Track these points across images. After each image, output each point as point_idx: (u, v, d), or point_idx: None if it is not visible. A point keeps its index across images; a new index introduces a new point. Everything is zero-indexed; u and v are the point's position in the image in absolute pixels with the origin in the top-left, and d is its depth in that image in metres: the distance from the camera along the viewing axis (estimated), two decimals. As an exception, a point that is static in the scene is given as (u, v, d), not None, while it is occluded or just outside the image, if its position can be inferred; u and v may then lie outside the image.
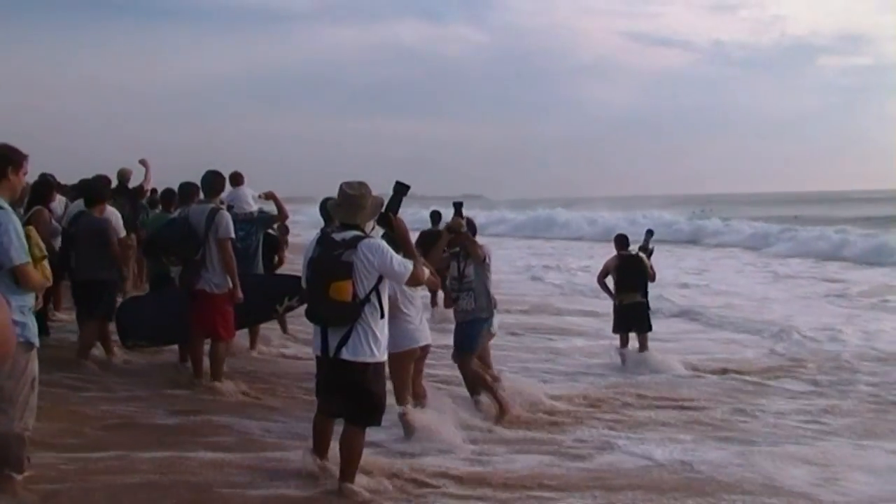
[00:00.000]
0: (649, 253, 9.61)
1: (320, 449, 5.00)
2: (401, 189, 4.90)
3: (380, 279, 4.57)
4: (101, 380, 7.38)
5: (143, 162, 11.60)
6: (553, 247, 31.76)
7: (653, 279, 9.55)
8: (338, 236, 4.61)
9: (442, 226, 7.82)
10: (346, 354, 4.53)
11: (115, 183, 10.65)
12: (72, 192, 10.39)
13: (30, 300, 4.46)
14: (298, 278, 8.30)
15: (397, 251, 4.75)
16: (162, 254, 7.48)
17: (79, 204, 8.34)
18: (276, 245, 9.14)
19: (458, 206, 6.74)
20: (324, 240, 4.69)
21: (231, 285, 7.09)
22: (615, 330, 9.61)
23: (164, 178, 11.50)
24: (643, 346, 9.46)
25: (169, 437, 5.88)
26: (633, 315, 9.42)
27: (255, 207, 9.62)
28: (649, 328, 9.53)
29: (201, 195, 7.61)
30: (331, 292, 4.47)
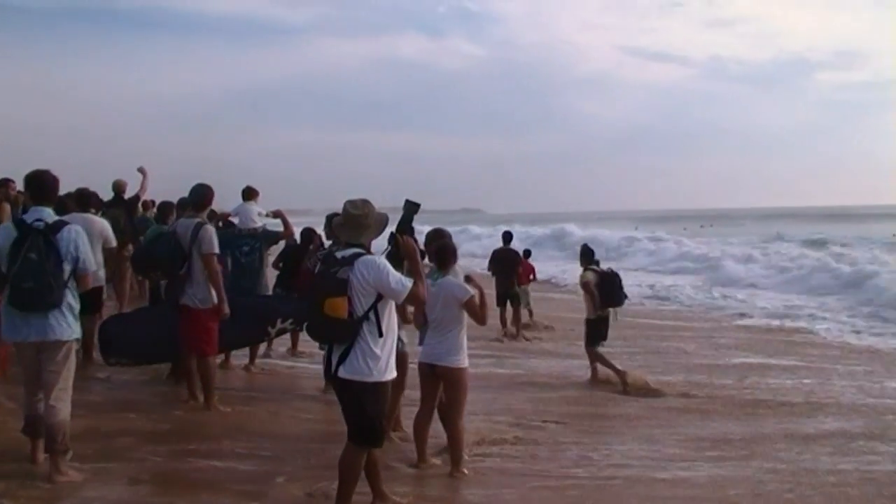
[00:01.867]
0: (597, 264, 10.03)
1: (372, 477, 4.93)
2: (411, 207, 4.99)
3: (379, 297, 4.52)
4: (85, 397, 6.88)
5: (140, 170, 11.56)
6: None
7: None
8: (339, 254, 4.62)
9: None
10: (343, 373, 4.51)
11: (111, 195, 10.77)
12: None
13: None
14: (293, 301, 8.49)
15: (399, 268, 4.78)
16: (148, 268, 7.57)
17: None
18: (300, 258, 8.88)
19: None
20: (327, 257, 4.75)
21: (216, 300, 6.97)
22: (596, 343, 9.69)
23: (160, 189, 11.59)
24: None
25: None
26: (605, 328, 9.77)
27: (259, 223, 9.58)
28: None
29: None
30: (325, 308, 4.46)
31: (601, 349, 9.60)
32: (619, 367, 9.40)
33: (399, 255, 4.94)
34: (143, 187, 11.52)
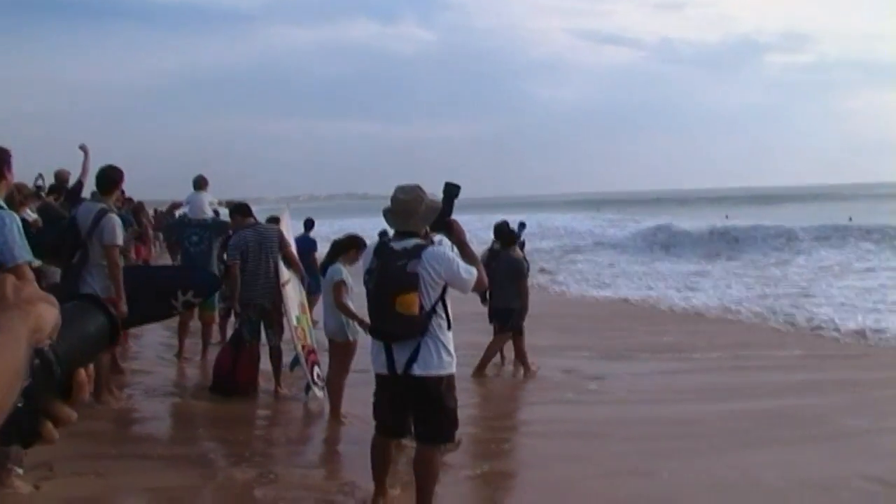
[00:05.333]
0: (521, 245, 9.77)
1: (381, 473, 4.78)
2: (451, 190, 4.65)
3: (444, 288, 4.33)
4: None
5: (82, 147, 10.96)
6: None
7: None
8: (398, 245, 4.37)
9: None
10: (417, 370, 4.30)
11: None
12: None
13: None
14: (190, 270, 8.30)
15: None
16: (41, 256, 6.69)
17: None
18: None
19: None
20: (382, 250, 4.43)
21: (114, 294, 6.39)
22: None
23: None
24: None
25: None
26: None
27: (210, 214, 9.42)
28: None
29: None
30: (397, 306, 4.24)
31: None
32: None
33: (451, 241, 4.67)
34: (84, 169, 11.07)
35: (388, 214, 4.54)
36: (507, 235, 9.08)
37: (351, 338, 6.62)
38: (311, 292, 8.88)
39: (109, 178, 6.69)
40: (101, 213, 6.40)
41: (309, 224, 13.09)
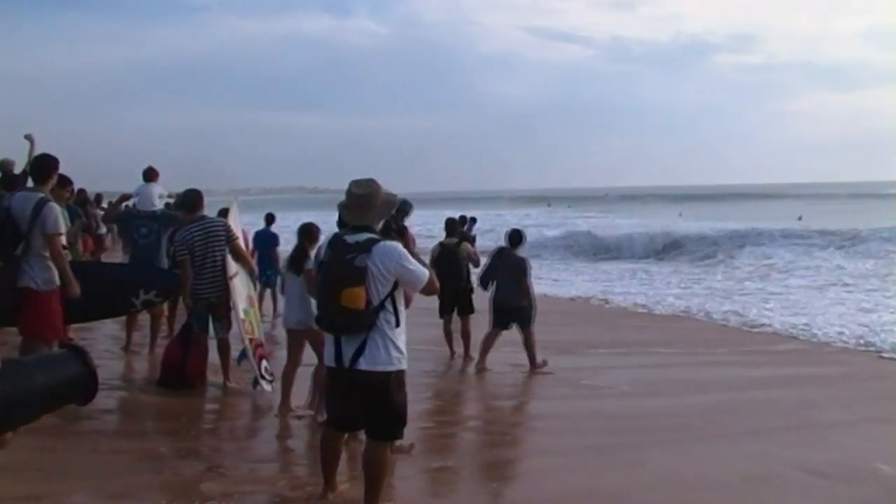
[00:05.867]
0: (472, 239, 10.07)
1: (330, 469, 4.75)
2: (406, 207, 4.49)
3: (395, 285, 4.29)
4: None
5: (28, 137, 10.69)
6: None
7: (476, 265, 10.06)
8: (350, 239, 4.32)
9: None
10: (363, 364, 4.27)
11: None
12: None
13: None
14: (157, 270, 8.20)
15: None
16: None
17: None
18: None
19: None
20: (335, 242, 4.39)
21: (58, 282, 6.30)
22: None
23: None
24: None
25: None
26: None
27: (159, 206, 9.24)
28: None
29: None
30: (342, 299, 4.20)
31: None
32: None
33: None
34: (30, 159, 10.82)
35: (343, 209, 4.51)
36: (515, 238, 9.60)
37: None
38: (271, 286, 8.86)
39: (45, 166, 6.52)
40: (42, 203, 6.23)
41: (270, 218, 13.17)
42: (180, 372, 7.39)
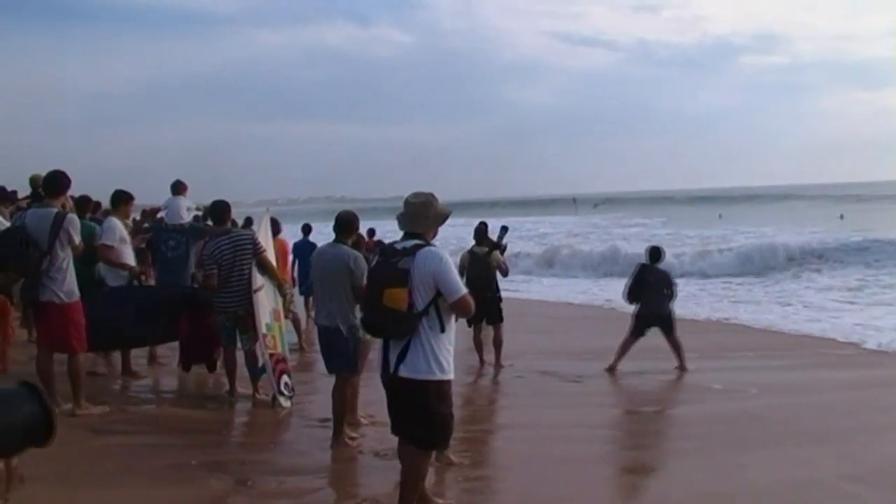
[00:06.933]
0: (503, 249, 9.89)
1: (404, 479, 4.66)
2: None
3: (439, 292, 4.29)
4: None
5: None
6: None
7: (505, 274, 10.08)
8: (399, 245, 4.45)
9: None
10: (403, 371, 4.28)
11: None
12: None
13: None
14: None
15: None
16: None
17: None
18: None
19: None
20: (386, 249, 4.54)
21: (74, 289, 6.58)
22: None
23: (80, 183, 10.94)
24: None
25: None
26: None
27: (187, 219, 9.38)
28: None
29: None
30: (384, 299, 4.25)
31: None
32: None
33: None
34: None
35: (399, 217, 4.60)
36: (655, 254, 10.43)
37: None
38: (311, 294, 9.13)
39: (58, 182, 6.65)
40: (61, 217, 6.39)
41: (307, 228, 13.61)
42: (186, 347, 8.02)
